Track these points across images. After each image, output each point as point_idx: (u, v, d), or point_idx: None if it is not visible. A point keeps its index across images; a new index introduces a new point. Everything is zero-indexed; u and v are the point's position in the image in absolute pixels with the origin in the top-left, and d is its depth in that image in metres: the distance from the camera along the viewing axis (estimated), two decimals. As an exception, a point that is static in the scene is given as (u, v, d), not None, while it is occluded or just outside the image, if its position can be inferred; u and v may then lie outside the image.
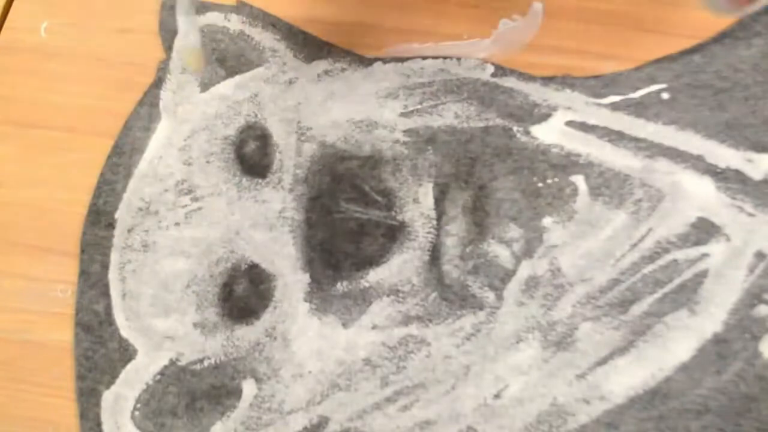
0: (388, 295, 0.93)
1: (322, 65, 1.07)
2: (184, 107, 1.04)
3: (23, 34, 1.13)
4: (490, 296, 0.93)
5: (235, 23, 1.09)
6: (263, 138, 1.02)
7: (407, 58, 1.06)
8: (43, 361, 0.94)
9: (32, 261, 0.99)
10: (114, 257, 0.97)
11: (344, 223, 0.96)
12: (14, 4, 1.15)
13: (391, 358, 0.91)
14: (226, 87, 1.06)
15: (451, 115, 1.02)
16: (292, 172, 1.00)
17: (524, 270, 0.94)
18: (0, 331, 0.96)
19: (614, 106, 1.02)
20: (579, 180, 0.97)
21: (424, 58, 1.06)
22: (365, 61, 1.07)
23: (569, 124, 1.01)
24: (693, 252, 0.94)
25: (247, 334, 0.92)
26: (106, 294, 0.95)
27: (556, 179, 0.98)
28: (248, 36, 1.09)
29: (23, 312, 0.96)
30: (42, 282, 0.97)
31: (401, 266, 0.94)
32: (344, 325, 0.92)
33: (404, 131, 1.01)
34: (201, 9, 1.10)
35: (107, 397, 0.91)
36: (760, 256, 0.93)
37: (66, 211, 1.00)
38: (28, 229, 1.01)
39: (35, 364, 0.94)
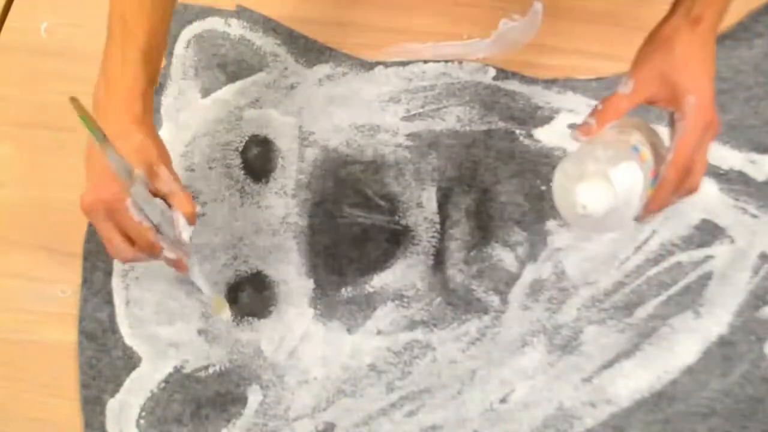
0: (392, 300, 0.93)
1: (323, 70, 1.06)
2: (185, 113, 1.04)
3: (23, 34, 1.13)
4: (494, 300, 0.93)
5: (235, 28, 1.09)
6: (265, 143, 1.01)
7: (409, 62, 1.06)
8: (44, 361, 0.94)
9: (32, 261, 0.99)
10: (117, 264, 0.97)
11: (348, 228, 0.96)
12: (14, 4, 1.14)
13: (397, 364, 0.91)
14: (227, 92, 1.05)
15: (453, 118, 1.02)
16: (294, 177, 1.00)
17: (529, 273, 0.94)
18: (0, 331, 0.95)
19: (617, 108, 1.02)
20: (582, 183, 0.98)
21: (426, 61, 1.06)
22: (367, 65, 1.06)
23: (572, 126, 1.00)
24: (697, 254, 0.94)
25: (251, 340, 0.92)
26: (109, 302, 0.95)
27: (560, 182, 0.98)
28: (249, 41, 1.08)
29: (23, 312, 0.96)
30: (42, 282, 0.97)
31: (405, 271, 0.94)
32: (349, 330, 0.92)
33: (407, 135, 1.01)
34: (201, 14, 1.10)
35: (112, 405, 0.90)
36: (764, 257, 0.93)
37: (66, 211, 0.99)
38: (28, 229, 1.00)
39: (35, 364, 0.94)
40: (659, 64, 0.80)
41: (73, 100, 0.77)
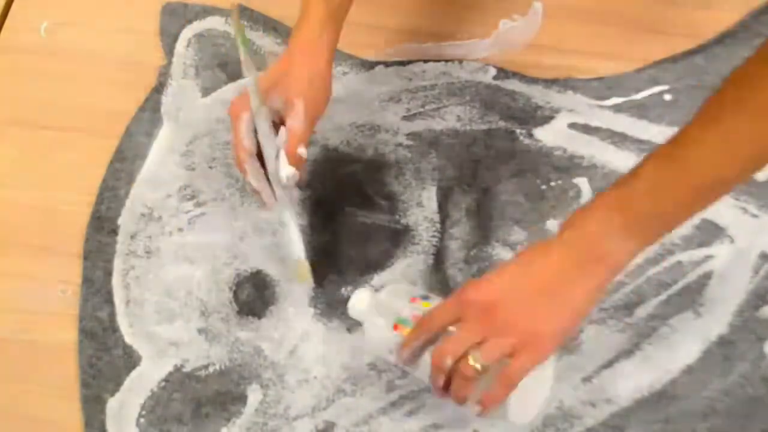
0: (392, 300, 0.93)
1: (323, 69, 1.06)
2: (185, 112, 1.04)
3: (23, 34, 1.13)
4: (495, 300, 0.92)
5: (236, 27, 1.09)
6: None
7: (409, 62, 1.06)
8: (44, 361, 0.94)
9: (33, 261, 0.99)
10: (117, 264, 0.97)
11: (348, 228, 0.96)
12: (14, 4, 1.14)
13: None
14: (227, 91, 1.05)
15: (453, 118, 1.02)
16: (295, 176, 1.00)
17: (529, 273, 0.94)
18: (0, 331, 0.95)
19: (617, 108, 1.02)
20: (582, 182, 0.98)
21: (426, 61, 1.06)
22: (367, 65, 1.07)
23: (572, 126, 1.01)
24: (697, 254, 0.94)
25: (251, 339, 0.92)
26: (109, 301, 0.95)
27: (560, 181, 0.98)
28: (249, 40, 1.08)
29: (24, 312, 0.96)
30: (42, 282, 0.97)
31: (405, 270, 0.94)
32: (349, 329, 0.92)
33: (407, 135, 1.01)
34: (202, 13, 1.10)
35: (112, 404, 0.90)
36: (764, 257, 0.93)
37: (66, 211, 1.00)
38: (28, 229, 1.00)
39: (36, 364, 0.94)
40: None
41: (234, 6, 0.85)
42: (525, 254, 0.77)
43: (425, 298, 0.84)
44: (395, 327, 0.82)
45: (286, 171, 0.86)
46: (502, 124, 1.02)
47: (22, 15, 1.14)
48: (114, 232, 0.98)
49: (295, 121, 0.86)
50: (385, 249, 0.96)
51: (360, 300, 0.87)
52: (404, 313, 0.82)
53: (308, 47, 0.88)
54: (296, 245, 0.90)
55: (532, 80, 1.05)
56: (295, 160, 0.86)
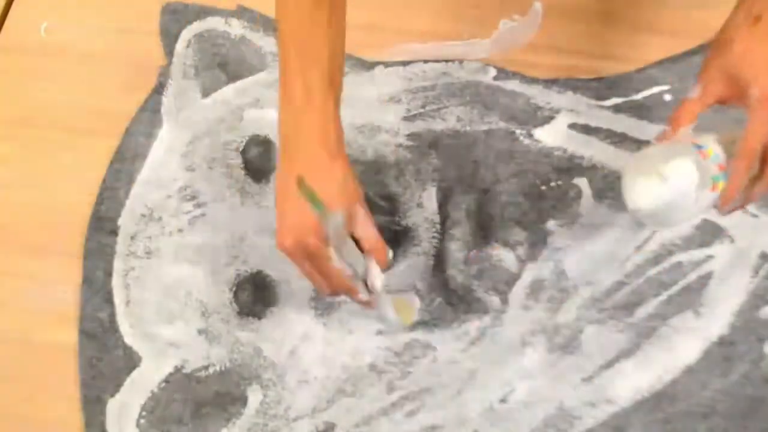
0: (392, 300, 0.93)
1: (323, 70, 1.06)
2: (185, 113, 1.04)
3: (23, 34, 1.13)
4: (495, 300, 0.92)
5: (236, 28, 1.09)
6: (266, 143, 1.01)
7: (409, 62, 1.06)
8: (44, 361, 0.94)
9: (33, 261, 0.99)
10: (117, 264, 0.97)
11: (348, 229, 0.96)
12: (14, 4, 1.14)
13: (397, 364, 0.91)
14: (227, 92, 1.05)
15: (453, 118, 1.02)
16: (295, 177, 1.00)
17: (529, 273, 0.94)
18: (0, 332, 0.95)
19: (617, 108, 1.02)
20: (583, 183, 0.98)
21: (426, 61, 1.06)
22: (367, 65, 1.06)
23: (572, 126, 1.01)
24: (697, 254, 0.94)
25: (251, 340, 0.92)
26: (109, 301, 0.95)
27: (560, 182, 0.98)
28: (249, 41, 1.08)
29: (24, 312, 0.96)
30: (43, 282, 0.97)
31: (406, 271, 0.94)
32: (349, 330, 0.92)
33: (407, 135, 1.01)
34: (201, 13, 1.10)
35: (112, 405, 0.90)
36: (764, 257, 0.93)
37: (66, 212, 1.00)
38: (28, 229, 1.01)
39: (35, 364, 0.94)
40: (722, 63, 0.81)
41: (300, 180, 0.75)
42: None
43: (700, 147, 0.82)
44: (713, 188, 0.81)
45: (381, 279, 0.85)
46: (502, 124, 1.02)
47: (22, 15, 1.14)
48: (114, 232, 0.99)
49: (369, 228, 0.84)
50: (385, 250, 0.96)
51: (655, 193, 0.81)
52: (714, 171, 0.81)
53: (333, 151, 0.82)
54: (392, 316, 0.91)
55: (532, 80, 1.04)
56: (386, 265, 0.86)
